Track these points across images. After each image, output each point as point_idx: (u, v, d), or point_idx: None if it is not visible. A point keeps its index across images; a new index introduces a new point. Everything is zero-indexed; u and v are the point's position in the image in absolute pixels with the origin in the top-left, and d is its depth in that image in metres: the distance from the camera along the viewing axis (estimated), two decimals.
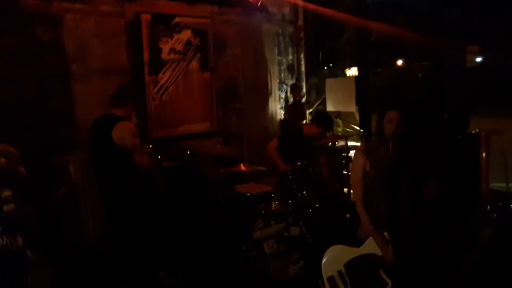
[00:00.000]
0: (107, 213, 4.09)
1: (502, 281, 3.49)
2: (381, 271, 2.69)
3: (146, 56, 5.45)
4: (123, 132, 3.75)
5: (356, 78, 7.20)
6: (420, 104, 5.17)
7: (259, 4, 5.46)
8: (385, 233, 2.72)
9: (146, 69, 5.48)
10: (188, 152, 5.32)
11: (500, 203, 4.04)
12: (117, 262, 4.00)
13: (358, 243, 2.86)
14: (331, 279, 2.88)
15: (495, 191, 5.08)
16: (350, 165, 5.57)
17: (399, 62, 24.40)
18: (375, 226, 2.77)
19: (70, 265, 4.23)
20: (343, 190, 5.51)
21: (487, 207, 4.34)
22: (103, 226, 4.58)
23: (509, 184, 4.99)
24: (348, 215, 4.62)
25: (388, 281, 2.66)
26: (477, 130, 4.86)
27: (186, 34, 5.84)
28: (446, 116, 4.75)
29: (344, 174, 5.58)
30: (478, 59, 20.23)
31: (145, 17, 5.39)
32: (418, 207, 2.80)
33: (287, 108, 7.09)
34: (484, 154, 4.74)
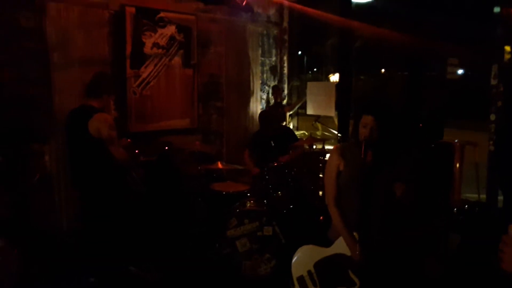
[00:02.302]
0: (81, 204, 4.08)
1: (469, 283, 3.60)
2: (349, 271, 2.74)
3: (128, 49, 5.43)
4: (100, 124, 3.73)
5: (337, 83, 7.27)
6: (396, 111, 5.28)
7: (244, 3, 5.48)
8: (355, 234, 2.77)
9: (128, 62, 5.45)
10: (166, 147, 5.32)
11: (466, 206, 4.15)
12: (89, 254, 3.98)
13: (328, 243, 2.90)
14: (300, 278, 2.92)
15: (467, 202, 5.19)
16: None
17: (382, 71, 24.69)
18: (346, 226, 2.82)
19: (41, 254, 4.21)
20: (318, 193, 5.56)
21: (455, 214, 4.44)
22: (76, 217, 4.56)
23: (480, 195, 5.10)
24: (321, 218, 4.67)
25: (356, 281, 2.71)
26: (456, 141, 4.97)
27: (170, 30, 5.83)
28: (421, 125, 4.84)
29: (320, 177, 5.63)
30: (459, 72, 20.58)
31: (130, 10, 5.37)
32: (389, 210, 2.86)
33: (268, 109, 7.13)
34: (458, 165, 4.83)
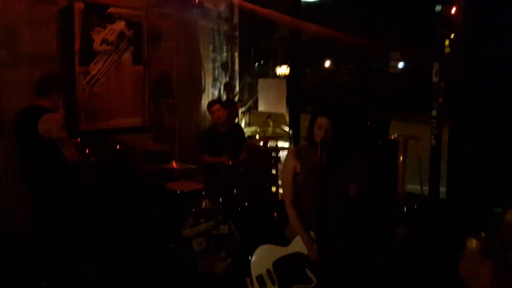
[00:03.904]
0: (32, 205, 3.99)
1: (415, 275, 3.81)
2: (306, 269, 2.84)
3: (77, 45, 5.29)
4: (50, 124, 3.69)
5: (287, 78, 7.39)
6: (348, 111, 5.46)
7: (197, 1, 5.46)
8: (312, 233, 2.87)
9: (76, 58, 5.31)
10: (118, 146, 5.23)
11: (415, 206, 4.38)
12: (42, 257, 3.91)
13: (285, 241, 3.00)
14: (259, 277, 3.00)
15: (410, 194, 5.46)
16: (279, 165, 5.75)
17: (327, 64, 25.20)
18: (303, 226, 2.92)
19: None
20: (271, 189, 5.67)
21: (403, 209, 4.67)
22: (28, 219, 4.44)
23: (423, 187, 5.38)
24: (275, 214, 4.76)
25: (313, 278, 2.82)
26: (396, 135, 5.19)
27: (120, 25, 5.72)
28: (368, 123, 5.04)
29: (273, 173, 5.74)
30: (400, 65, 21.33)
31: (78, 6, 5.23)
32: (343, 209, 2.99)
33: (208, 104, 7.12)
34: (401, 158, 5.07)
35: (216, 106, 5.23)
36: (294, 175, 3.04)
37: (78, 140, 4.39)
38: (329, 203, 2.87)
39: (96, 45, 5.49)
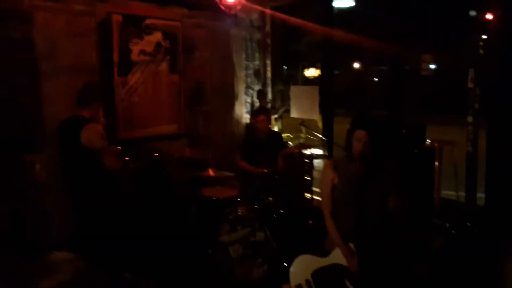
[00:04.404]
0: (74, 214, 4.12)
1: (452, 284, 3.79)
2: (346, 280, 2.88)
3: (116, 56, 5.44)
4: (92, 135, 3.79)
5: (319, 84, 7.39)
6: (384, 122, 5.43)
7: (232, 12, 5.56)
8: (351, 245, 2.91)
9: (115, 69, 5.46)
10: (156, 154, 5.36)
11: (456, 218, 4.35)
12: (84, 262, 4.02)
13: (325, 253, 3.04)
14: (298, 287, 3.05)
15: (446, 200, 5.41)
16: (313, 172, 5.79)
17: (356, 65, 25.06)
18: (342, 238, 2.96)
19: (32, 266, 4.23)
20: (306, 197, 5.71)
21: (441, 219, 4.64)
22: (68, 227, 4.59)
23: (459, 192, 5.33)
24: (310, 221, 4.80)
25: None
26: (430, 141, 5.15)
27: (156, 36, 5.86)
28: (405, 131, 5.01)
29: (307, 180, 5.78)
30: (432, 67, 21.06)
31: (116, 18, 5.38)
32: (381, 219, 3.01)
33: (253, 112, 7.20)
34: (436, 164, 5.02)
35: (262, 117, 5.28)
36: (332, 187, 3.08)
37: (119, 148, 4.50)
38: (368, 215, 2.90)
39: (134, 56, 5.63)
